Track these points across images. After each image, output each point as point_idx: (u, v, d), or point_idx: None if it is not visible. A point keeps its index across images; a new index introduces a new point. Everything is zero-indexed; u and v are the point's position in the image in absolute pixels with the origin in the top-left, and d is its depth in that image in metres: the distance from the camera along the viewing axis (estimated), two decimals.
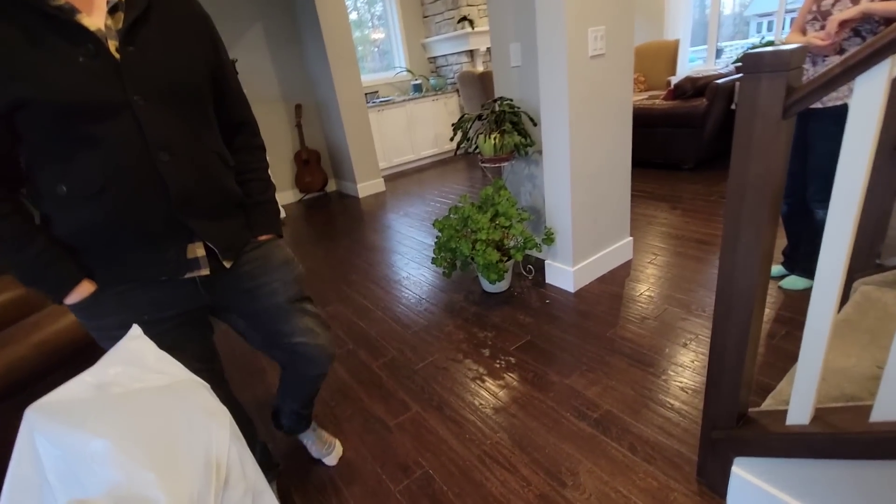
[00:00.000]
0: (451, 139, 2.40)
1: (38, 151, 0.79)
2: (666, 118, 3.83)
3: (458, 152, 2.45)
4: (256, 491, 0.47)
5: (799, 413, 0.98)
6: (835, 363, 1.36)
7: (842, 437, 0.89)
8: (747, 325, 1.01)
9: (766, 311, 1.93)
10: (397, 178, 5.09)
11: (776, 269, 2.16)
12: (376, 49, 5.68)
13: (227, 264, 0.97)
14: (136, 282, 0.87)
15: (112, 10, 0.79)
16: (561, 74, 1.92)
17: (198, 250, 0.92)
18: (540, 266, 2.50)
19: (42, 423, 0.38)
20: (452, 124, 2.38)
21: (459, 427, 1.55)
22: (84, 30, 0.75)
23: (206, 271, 0.94)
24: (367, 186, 4.61)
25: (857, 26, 1.67)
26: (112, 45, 0.78)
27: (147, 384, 0.44)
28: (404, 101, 5.18)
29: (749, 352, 1.04)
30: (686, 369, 1.66)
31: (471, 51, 5.37)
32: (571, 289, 2.29)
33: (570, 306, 2.17)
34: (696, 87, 3.73)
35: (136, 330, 0.50)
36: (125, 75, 0.77)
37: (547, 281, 2.41)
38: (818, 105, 1.79)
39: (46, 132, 0.76)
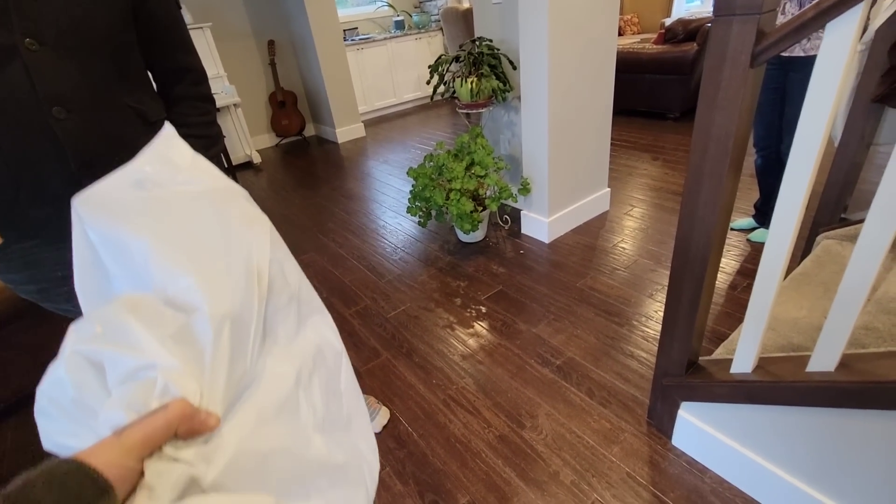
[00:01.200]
0: (428, 82, 2.29)
1: None
2: (654, 64, 3.70)
3: (435, 97, 2.35)
4: (302, 299, 0.45)
5: (743, 362, 1.02)
6: (787, 314, 1.41)
7: (779, 385, 0.93)
8: (702, 277, 1.02)
9: (733, 262, 1.97)
10: (378, 123, 4.91)
11: (746, 221, 2.18)
12: None
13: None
14: (42, 239, 0.81)
15: None
16: (541, 11, 1.81)
17: None
18: (516, 216, 2.49)
19: (88, 215, 0.38)
20: (429, 66, 2.26)
21: (427, 373, 1.59)
22: None
23: None
24: (346, 131, 4.45)
25: None
26: None
27: (184, 186, 0.41)
28: (385, 38, 4.89)
29: (702, 303, 1.06)
30: (650, 319, 1.70)
31: None
32: (546, 239, 2.30)
33: (543, 257, 2.19)
34: (688, 31, 3.58)
35: (169, 128, 0.44)
36: (14, 11, 0.65)
37: (522, 231, 2.41)
38: (800, 53, 1.73)
39: None
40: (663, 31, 3.78)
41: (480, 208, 2.17)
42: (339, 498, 0.40)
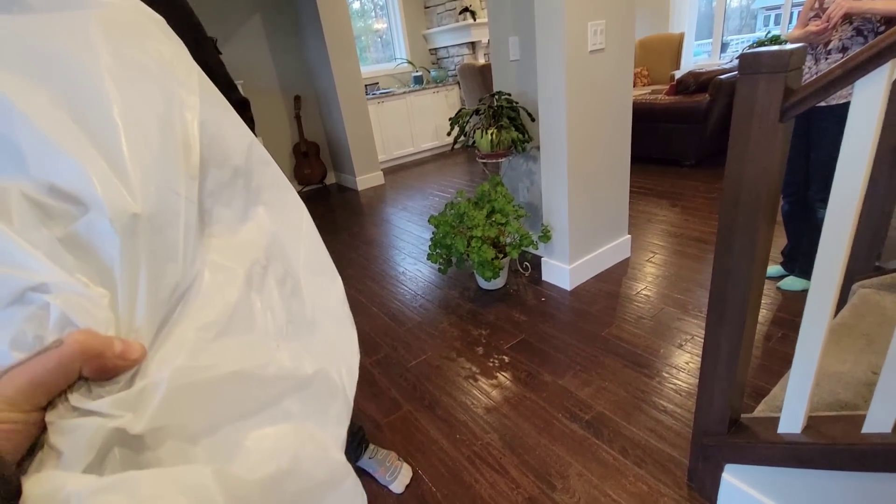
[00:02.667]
0: (448, 134, 2.37)
1: None
2: (668, 114, 3.78)
3: (455, 147, 2.42)
4: (252, 169, 0.34)
5: (791, 422, 0.96)
6: (829, 368, 1.34)
7: (833, 448, 0.88)
8: (740, 332, 0.99)
9: (764, 312, 1.91)
10: (397, 171, 5.06)
11: (774, 269, 2.13)
12: (379, 39, 5.61)
13: None
14: None
15: None
16: (559, 69, 1.88)
17: None
18: (537, 263, 2.48)
19: None
20: (450, 119, 2.35)
21: (450, 427, 1.54)
22: None
23: None
24: (366, 179, 4.58)
25: (860, 25, 1.63)
26: None
27: (66, 10, 0.27)
28: (405, 92, 5.13)
29: (741, 359, 1.02)
30: (681, 371, 1.64)
31: (472, 43, 5.30)
32: (568, 287, 2.27)
33: (565, 305, 2.16)
34: (699, 83, 3.67)
35: None
36: None
37: (543, 278, 2.40)
38: (822, 103, 1.76)
39: None
40: (674, 83, 3.89)
41: (501, 255, 2.17)
42: (310, 414, 0.31)
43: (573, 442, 1.41)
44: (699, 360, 1.66)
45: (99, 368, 0.22)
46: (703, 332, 1.87)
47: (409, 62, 5.62)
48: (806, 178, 1.89)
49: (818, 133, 1.81)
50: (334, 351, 0.34)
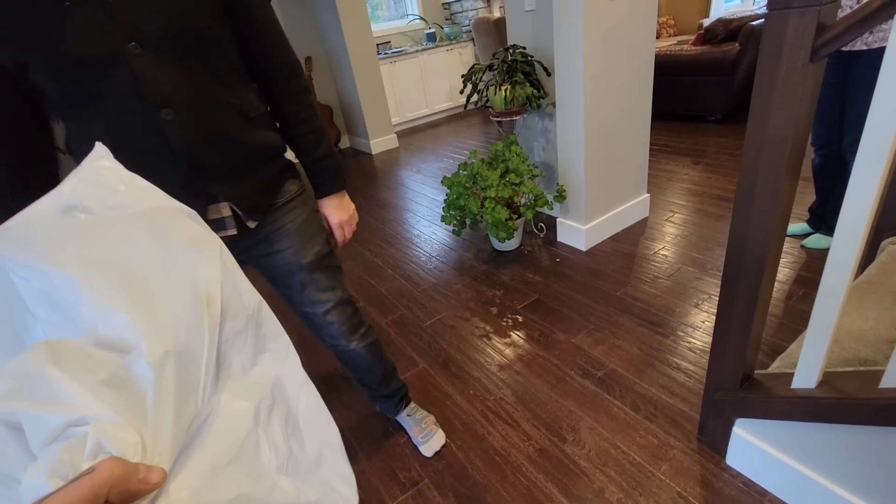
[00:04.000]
0: (461, 92, 2.30)
1: (55, 109, 0.76)
2: (693, 65, 3.58)
3: (469, 106, 2.35)
4: (261, 321, 0.41)
5: (806, 377, 0.95)
6: (851, 325, 1.31)
7: (848, 402, 0.87)
8: (757, 289, 0.96)
9: (787, 270, 1.86)
10: (411, 134, 4.98)
11: (800, 226, 2.06)
12: None
13: (252, 225, 0.89)
14: None
15: None
16: (577, 17, 1.79)
17: (223, 210, 0.86)
18: (552, 224, 2.44)
19: (7, 250, 0.33)
20: (462, 75, 2.27)
21: (464, 383, 1.58)
22: None
23: (232, 231, 0.87)
24: (379, 143, 4.53)
25: None
26: None
27: (119, 210, 0.36)
28: (417, 51, 4.97)
29: (758, 315, 1.00)
30: (696, 330, 1.63)
31: None
32: (583, 247, 2.25)
33: (580, 265, 2.14)
34: (729, 31, 3.45)
35: (101, 149, 0.39)
36: (116, 19, 0.67)
37: (558, 239, 2.37)
38: (862, 46, 1.63)
39: (52, 89, 0.71)
40: (702, 31, 3.67)
41: (515, 216, 2.15)
42: None
43: (584, 397, 1.43)
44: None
45: (124, 493, 0.25)
46: (702, 279, 1.83)
47: (422, 18, 5.41)
48: (840, 130, 1.79)
49: (856, 80, 1.69)
50: (334, 488, 0.40)
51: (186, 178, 0.78)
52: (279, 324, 0.43)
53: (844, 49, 1.66)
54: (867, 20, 0.69)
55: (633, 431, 1.30)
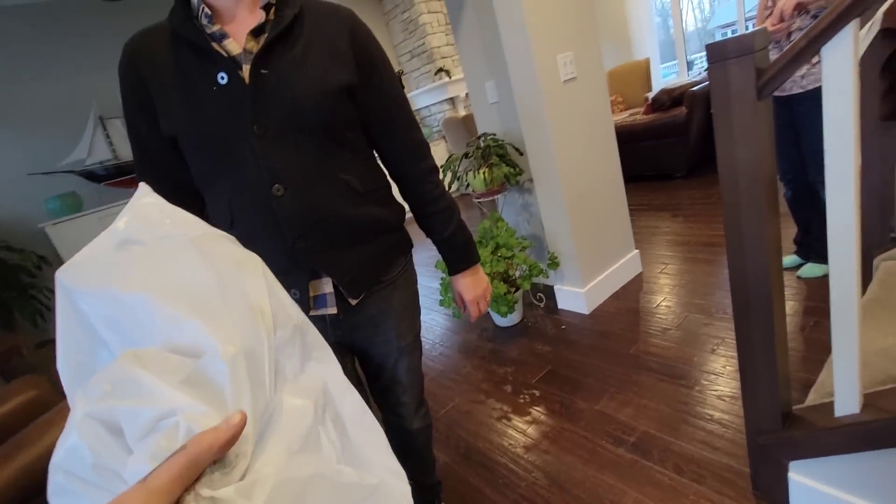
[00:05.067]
0: (441, 180, 2.43)
1: (197, 179, 0.83)
2: (649, 131, 3.89)
3: (451, 192, 2.47)
4: (305, 331, 0.44)
5: (847, 402, 0.91)
6: (873, 345, 1.28)
7: None
8: (770, 316, 0.95)
9: (791, 303, 1.86)
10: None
11: (790, 259, 2.10)
12: None
13: (353, 302, 0.87)
14: None
15: (256, 32, 0.74)
16: (537, 101, 1.96)
17: (325, 286, 0.85)
18: (550, 293, 2.45)
19: (77, 283, 0.36)
20: (441, 166, 2.42)
21: (491, 472, 1.45)
22: (221, 56, 0.72)
23: (332, 310, 0.85)
24: None
25: (817, 12, 1.71)
26: (246, 69, 0.73)
27: (168, 240, 0.40)
28: None
29: (778, 344, 0.98)
30: (719, 376, 1.57)
31: (451, 98, 5.57)
32: (586, 310, 2.23)
33: (587, 328, 2.10)
34: (673, 98, 3.81)
35: (144, 188, 0.44)
36: (252, 104, 0.73)
37: (560, 306, 2.36)
38: (799, 90, 1.81)
39: (193, 161, 0.80)
40: (650, 102, 4.03)
41: (513, 289, 2.15)
42: None
43: (622, 467, 1.32)
44: (736, 361, 1.59)
45: (220, 448, 0.28)
46: (733, 332, 1.80)
47: None
48: (802, 165, 1.91)
49: (802, 119, 1.84)
50: (386, 481, 0.42)
51: (291, 250, 0.79)
52: (320, 335, 0.46)
53: (783, 95, 1.84)
54: (798, 57, 0.78)
55: (684, 498, 1.18)
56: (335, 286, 0.85)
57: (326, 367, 0.45)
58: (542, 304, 2.44)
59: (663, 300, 2.15)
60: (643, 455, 1.34)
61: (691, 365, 1.66)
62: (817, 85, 1.77)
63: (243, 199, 0.79)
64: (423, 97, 5.82)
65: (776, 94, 1.87)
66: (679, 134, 3.72)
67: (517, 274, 2.19)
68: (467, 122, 4.66)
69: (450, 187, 2.39)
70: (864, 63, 1.51)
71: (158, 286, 0.36)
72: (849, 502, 0.95)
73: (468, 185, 2.39)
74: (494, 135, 2.40)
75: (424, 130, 5.79)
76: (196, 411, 0.30)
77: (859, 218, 0.79)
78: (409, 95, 5.93)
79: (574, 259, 2.18)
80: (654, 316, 2.04)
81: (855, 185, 0.78)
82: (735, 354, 1.63)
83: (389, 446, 0.46)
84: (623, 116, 4.60)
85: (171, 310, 0.35)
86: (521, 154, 2.33)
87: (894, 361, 1.21)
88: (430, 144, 5.57)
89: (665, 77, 6.29)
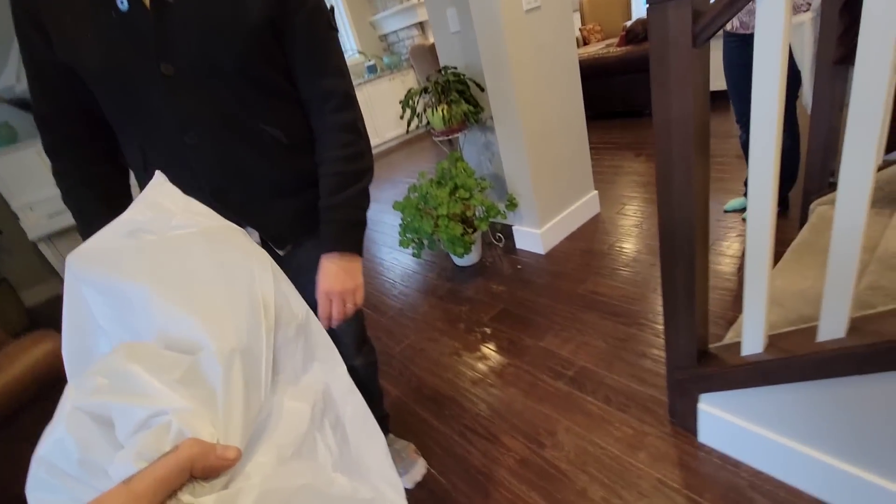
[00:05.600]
0: (401, 117, 2.34)
1: (109, 117, 0.76)
2: (622, 65, 3.77)
3: (411, 130, 2.39)
4: (310, 331, 0.44)
5: (752, 342, 0.98)
6: (793, 286, 1.37)
7: (793, 360, 0.89)
8: (692, 261, 1.00)
9: (735, 245, 1.94)
10: None
11: (739, 201, 2.16)
12: None
13: (281, 252, 0.85)
14: None
15: None
16: (497, 32, 1.86)
17: (250, 235, 0.80)
18: (509, 233, 2.48)
19: (83, 270, 0.37)
20: (400, 101, 2.31)
21: (439, 405, 1.55)
22: None
23: None
24: None
25: None
26: None
27: (179, 230, 0.40)
28: (360, 84, 5.05)
29: (698, 288, 1.03)
30: (658, 315, 1.66)
31: (421, 23, 5.21)
32: (542, 251, 2.28)
33: (541, 269, 2.16)
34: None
35: (160, 177, 0.45)
36: (156, 37, 0.66)
37: (517, 246, 2.40)
38: (748, 31, 1.77)
39: (99, 99, 0.73)
40: (625, 33, 3.87)
41: (471, 230, 2.17)
42: None
43: (558, 399, 1.43)
44: None
45: (205, 468, 0.28)
46: (658, 264, 1.89)
47: (361, 52, 5.51)
48: None
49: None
50: (384, 495, 0.41)
51: (208, 203, 0.75)
52: (326, 334, 0.45)
53: (742, 32, 1.79)
54: (734, 2, 0.74)
55: (609, 425, 1.30)
56: (261, 237, 0.83)
57: (330, 368, 0.44)
58: (500, 244, 2.48)
59: (616, 241, 2.21)
60: (578, 388, 1.45)
61: (634, 304, 1.75)
62: None
63: (156, 145, 0.73)
64: (390, 20, 5.42)
65: (739, 30, 1.82)
66: (648, 69, 3.61)
67: (475, 215, 2.20)
68: (435, 51, 4.41)
69: (409, 125, 2.30)
70: (825, 5, 1.47)
71: (162, 279, 0.36)
72: (747, 429, 1.06)
73: (428, 122, 2.30)
74: (455, 68, 2.28)
75: (392, 58, 5.46)
76: (187, 412, 0.30)
77: (778, 158, 0.80)
78: (376, 18, 5.51)
79: (532, 200, 2.19)
80: (607, 257, 2.11)
81: (779, 127, 0.78)
82: None
83: (390, 455, 0.45)
84: (598, 47, 4.42)
85: (172, 304, 0.35)
86: (483, 90, 2.24)
87: (807, 303, 1.30)
88: (399, 74, 5.30)
89: (647, 4, 5.97)
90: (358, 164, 0.83)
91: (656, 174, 0.96)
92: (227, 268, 0.39)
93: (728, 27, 1.88)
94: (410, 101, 2.27)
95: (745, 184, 2.13)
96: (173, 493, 0.26)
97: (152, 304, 0.35)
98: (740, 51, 1.82)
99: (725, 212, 2.16)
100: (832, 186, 1.69)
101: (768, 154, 0.80)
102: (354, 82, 5.04)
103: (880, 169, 1.58)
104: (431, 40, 4.98)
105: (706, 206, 0.98)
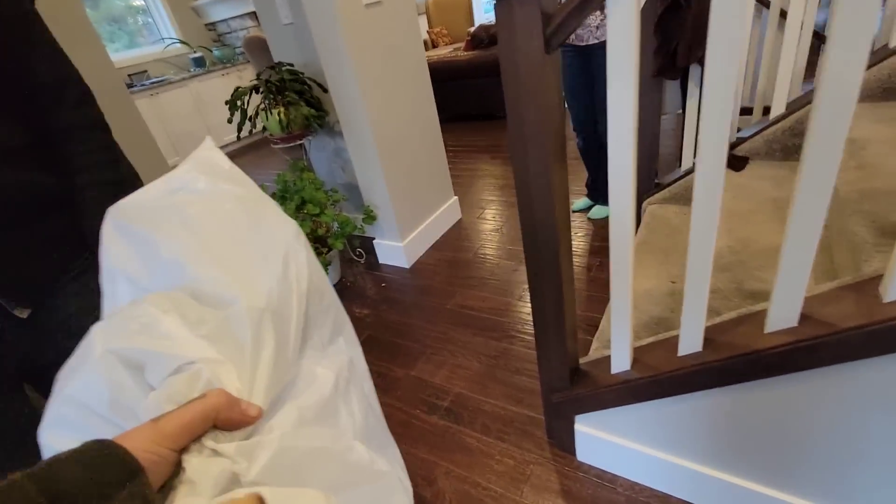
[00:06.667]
0: (230, 121, 1.96)
1: None
2: (472, 68, 3.83)
3: (241, 135, 2.02)
4: (337, 307, 0.46)
5: (620, 360, 0.95)
6: (639, 287, 1.43)
7: (659, 379, 0.88)
8: (559, 281, 0.93)
9: (581, 244, 2.03)
10: None
11: (582, 201, 2.30)
12: (138, 19, 4.57)
13: (22, 314, 0.65)
14: None
15: None
16: (334, 26, 1.64)
17: None
18: (370, 246, 2.28)
19: (122, 223, 0.39)
20: (225, 102, 1.94)
21: None
22: None
23: None
24: None
25: None
26: None
27: (219, 193, 0.41)
28: (184, 79, 4.32)
29: (567, 309, 0.98)
30: (525, 324, 1.64)
31: (255, 12, 4.66)
32: (406, 265, 2.14)
33: (407, 285, 2.02)
34: (490, 35, 3.78)
35: (209, 141, 0.44)
36: None
37: (381, 261, 2.22)
38: (594, 41, 1.84)
39: None
40: (469, 38, 3.95)
41: (325, 250, 1.92)
42: None
43: (435, 436, 1.29)
44: None
45: (227, 420, 0.29)
46: (524, 269, 1.91)
47: (183, 42, 4.73)
48: (594, 115, 2.01)
49: (599, 71, 1.91)
50: (395, 471, 0.42)
51: None
52: (349, 319, 0.47)
53: (581, 45, 1.86)
54: (586, 3, 0.66)
55: (489, 459, 1.20)
56: None
57: (354, 344, 0.46)
58: (362, 261, 2.27)
59: (480, 247, 2.17)
60: (455, 419, 1.33)
61: (502, 314, 1.70)
62: None
63: None
64: (218, 8, 4.75)
65: (574, 42, 1.90)
66: (498, 73, 3.74)
67: (330, 232, 1.95)
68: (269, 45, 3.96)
69: (239, 130, 1.95)
70: (642, 20, 1.58)
71: (198, 236, 0.37)
72: (620, 445, 1.04)
73: (264, 128, 1.98)
74: (292, 65, 2.00)
75: (224, 51, 4.80)
76: (217, 363, 0.31)
77: (636, 165, 0.76)
78: (198, 4, 4.78)
79: (391, 211, 2.03)
80: (472, 266, 2.05)
81: (634, 136, 0.73)
82: None
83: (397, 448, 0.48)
84: (447, 51, 4.46)
85: (206, 260, 0.36)
86: (326, 91, 2.00)
87: (654, 302, 1.37)
88: (235, 69, 4.68)
89: (487, 12, 6.29)
90: (120, 170, 0.75)
91: (515, 182, 0.86)
92: (263, 234, 0.40)
93: None
94: (239, 102, 1.91)
95: (586, 185, 2.27)
96: (197, 438, 0.28)
97: (185, 258, 0.36)
98: (576, 61, 1.90)
99: (573, 212, 2.28)
100: (658, 186, 1.86)
101: (626, 159, 0.74)
102: (177, 77, 4.31)
103: (689, 172, 1.78)
104: None
105: (567, 220, 0.91)
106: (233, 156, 4.12)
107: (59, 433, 0.30)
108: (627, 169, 0.74)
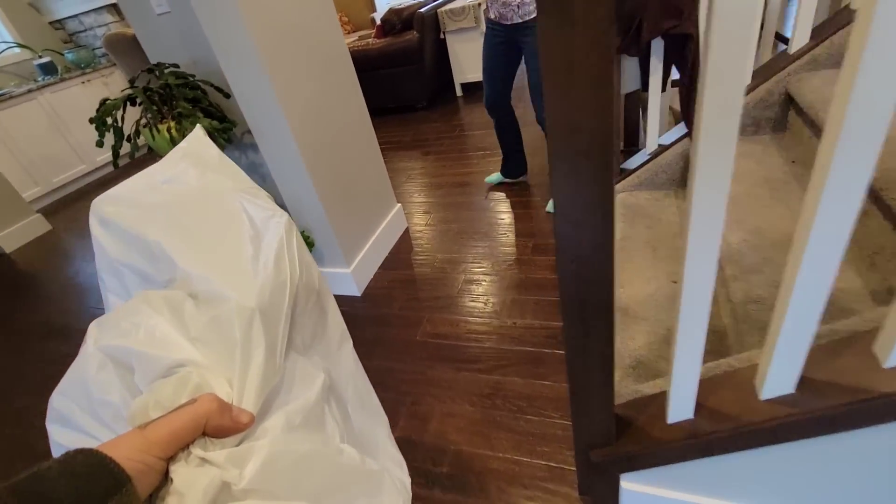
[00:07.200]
0: (98, 144, 1.49)
1: None
2: (385, 58, 3.51)
3: (119, 162, 1.56)
4: (323, 299, 0.45)
5: (682, 408, 0.77)
6: (641, 292, 1.28)
7: (739, 432, 0.70)
8: (609, 324, 0.72)
9: (510, 222, 1.86)
10: (71, 204, 3.54)
11: (496, 176, 2.34)
12: None
13: None
14: None
15: None
16: (231, 12, 1.27)
17: None
18: None
19: (105, 216, 0.38)
20: (90, 119, 1.47)
21: None
22: None
23: None
24: (15, 233, 3.03)
25: None
26: None
27: (208, 185, 0.40)
28: (31, 90, 3.49)
29: (611, 356, 0.77)
30: (515, 344, 1.43)
31: (114, 4, 3.90)
32: (357, 292, 1.83)
33: (363, 317, 1.72)
34: (403, 20, 3.48)
35: (199, 130, 0.45)
36: None
37: None
38: (518, 20, 1.71)
39: None
40: (380, 24, 3.62)
41: None
42: None
43: None
44: (520, 320, 1.46)
45: (218, 427, 0.28)
46: (493, 276, 1.71)
47: (23, 46, 3.84)
48: (507, 95, 1.98)
49: (527, 50, 1.77)
50: (390, 470, 0.43)
51: None
52: (337, 307, 0.47)
53: (507, 23, 1.73)
54: None
55: None
56: None
57: (337, 347, 0.46)
58: None
59: (436, 259, 1.92)
60: (461, 490, 1.09)
61: (486, 340, 1.48)
62: (534, 16, 1.67)
63: None
64: (64, 2, 3.91)
65: (500, 21, 1.74)
66: (414, 61, 3.47)
67: None
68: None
69: (116, 156, 1.50)
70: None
71: (188, 230, 0.37)
72: (677, 500, 0.87)
73: (150, 149, 1.54)
74: (177, 66, 1.57)
75: (80, 54, 3.97)
76: (206, 367, 0.31)
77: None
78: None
79: (331, 231, 1.70)
80: (433, 282, 1.80)
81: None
82: (499, 301, 1.50)
83: (391, 433, 0.51)
84: (353, 39, 4.08)
85: (195, 256, 0.36)
86: (229, 97, 1.60)
87: (662, 308, 1.22)
88: (98, 75, 3.91)
89: None
90: None
91: (556, 227, 0.63)
92: (254, 230, 0.39)
93: (491, 15, 1.78)
94: (109, 119, 1.46)
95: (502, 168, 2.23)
96: (185, 446, 0.27)
97: (176, 256, 0.35)
98: (502, 40, 1.82)
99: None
100: (622, 172, 1.74)
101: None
102: (21, 89, 3.49)
103: (657, 155, 1.68)
104: None
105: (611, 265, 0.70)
106: (110, 179, 3.43)
107: (56, 429, 0.31)
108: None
